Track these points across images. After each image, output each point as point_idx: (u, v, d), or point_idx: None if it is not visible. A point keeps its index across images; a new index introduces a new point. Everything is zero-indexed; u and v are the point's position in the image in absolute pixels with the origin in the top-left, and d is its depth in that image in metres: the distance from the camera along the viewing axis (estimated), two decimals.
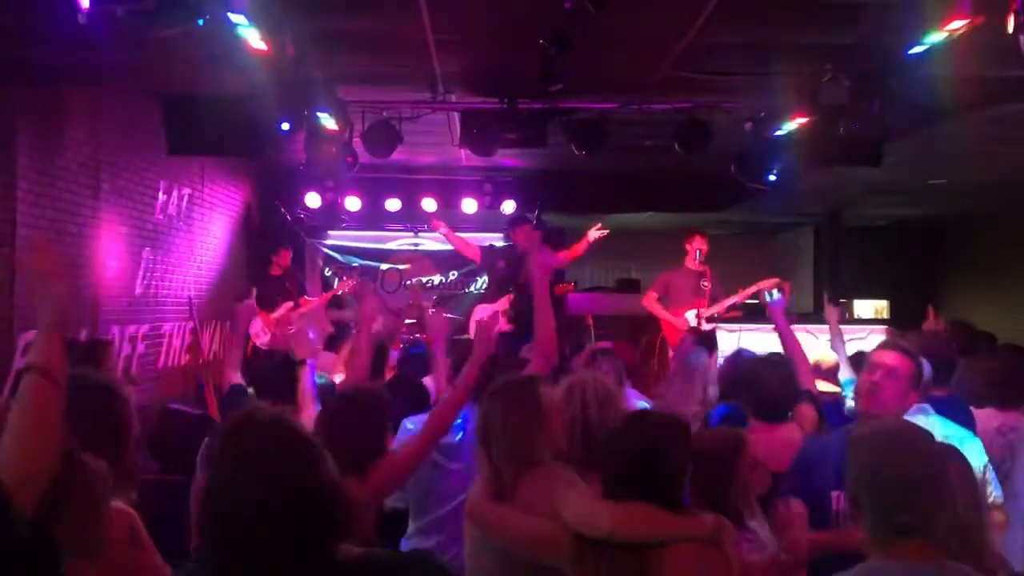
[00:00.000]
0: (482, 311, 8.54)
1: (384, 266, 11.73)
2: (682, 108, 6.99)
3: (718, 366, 4.96)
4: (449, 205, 10.27)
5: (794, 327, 4.41)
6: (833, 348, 4.66)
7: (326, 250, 11.69)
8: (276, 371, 4.04)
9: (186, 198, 8.69)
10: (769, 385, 3.66)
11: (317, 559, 1.68)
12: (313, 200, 10.17)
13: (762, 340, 6.61)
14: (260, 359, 7.66)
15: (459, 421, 3.56)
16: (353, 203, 10.35)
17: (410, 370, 5.32)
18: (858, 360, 4.36)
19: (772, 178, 7.50)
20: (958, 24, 4.29)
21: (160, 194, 8.06)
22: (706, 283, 8.12)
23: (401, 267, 11.74)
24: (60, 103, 6.42)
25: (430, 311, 9.99)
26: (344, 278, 10.47)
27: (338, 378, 5.21)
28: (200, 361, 8.55)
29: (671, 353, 7.60)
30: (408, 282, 11.66)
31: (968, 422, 3.63)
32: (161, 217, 8.10)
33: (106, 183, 6.99)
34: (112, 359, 5.66)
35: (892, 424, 2.46)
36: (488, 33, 5.58)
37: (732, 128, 7.00)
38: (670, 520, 2.40)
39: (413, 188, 10.40)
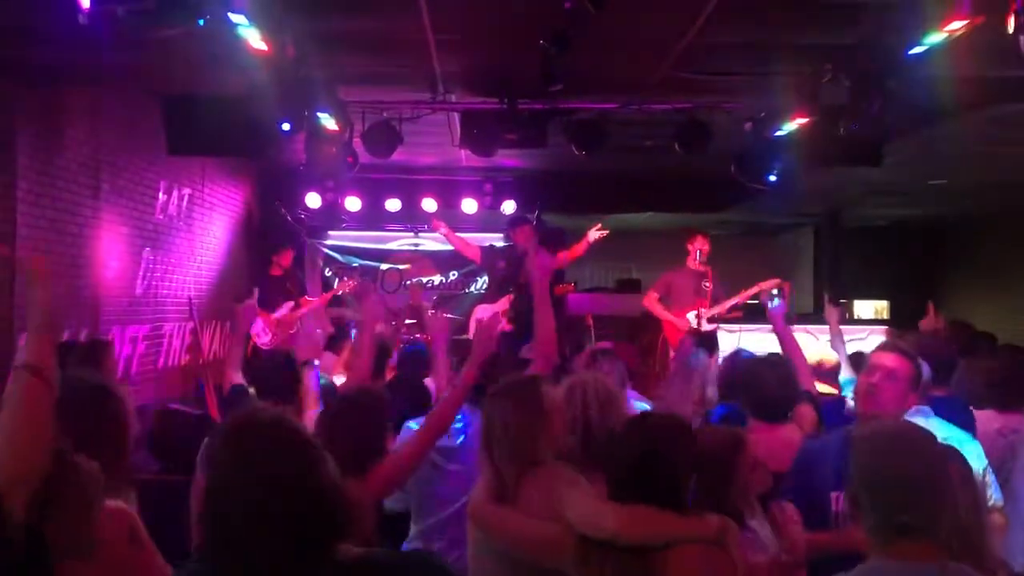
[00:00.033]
0: (482, 311, 8.54)
1: (384, 266, 11.73)
2: (682, 108, 6.99)
3: (718, 367, 4.96)
4: (449, 205, 10.27)
5: (794, 327, 4.42)
6: (833, 348, 4.66)
7: (326, 250, 11.69)
8: (277, 371, 4.04)
9: (186, 198, 8.69)
10: (768, 385, 3.66)
11: (317, 559, 1.68)
12: (313, 200, 10.18)
13: (762, 340, 6.60)
14: (261, 359, 7.66)
15: (459, 425, 3.56)
16: (353, 203, 10.35)
17: (409, 368, 5.31)
18: (857, 361, 4.37)
19: (772, 178, 7.50)
20: (958, 24, 4.29)
21: (160, 194, 8.06)
22: (707, 284, 8.12)
23: (401, 267, 11.74)
24: (60, 103, 6.42)
25: (430, 312, 10.00)
26: (344, 278, 10.47)
27: (338, 379, 5.21)
28: (200, 361, 8.55)
29: (672, 354, 7.60)
30: (408, 282, 11.66)
31: (968, 424, 3.62)
32: (161, 217, 8.11)
33: (106, 183, 6.99)
34: (112, 359, 5.65)
35: (893, 424, 2.46)
36: (488, 33, 5.58)
37: (732, 128, 7.00)
38: (674, 522, 2.40)
39: (413, 188, 10.40)
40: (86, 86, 6.56)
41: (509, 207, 10.25)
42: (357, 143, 7.22)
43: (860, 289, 14.78)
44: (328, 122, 6.41)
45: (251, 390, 4.12)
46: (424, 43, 5.58)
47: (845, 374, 4.46)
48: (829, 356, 4.65)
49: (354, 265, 11.63)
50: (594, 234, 8.28)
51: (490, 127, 6.94)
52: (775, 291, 4.82)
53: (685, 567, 2.34)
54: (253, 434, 1.74)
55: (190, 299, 8.61)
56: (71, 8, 3.70)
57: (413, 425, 3.74)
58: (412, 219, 11.19)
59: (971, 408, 3.90)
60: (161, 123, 6.87)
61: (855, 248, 14.70)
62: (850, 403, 3.74)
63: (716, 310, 8.07)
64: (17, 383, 1.96)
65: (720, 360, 4.89)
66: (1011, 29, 3.88)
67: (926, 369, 3.39)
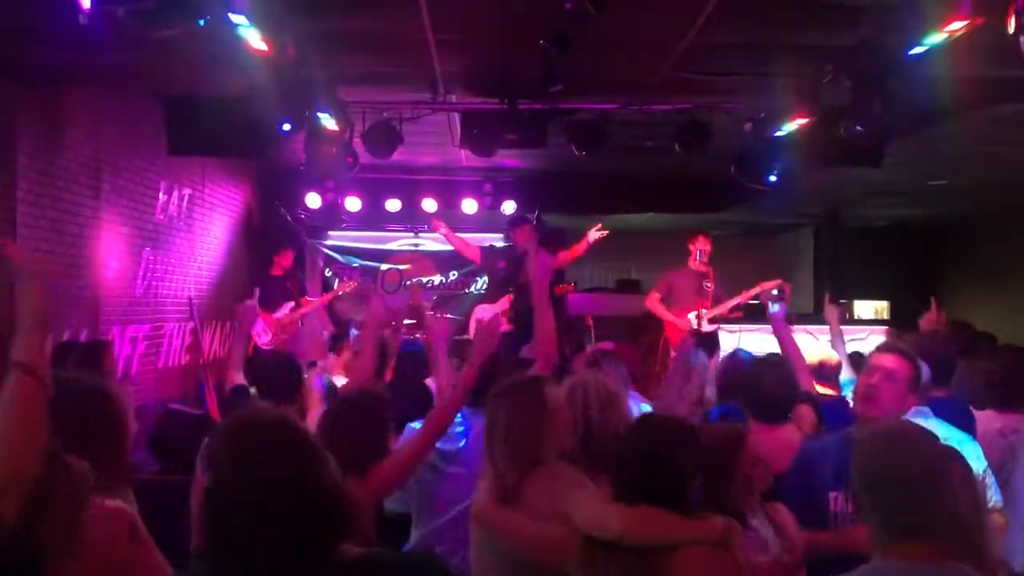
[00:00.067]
0: (482, 311, 8.54)
1: (384, 266, 11.73)
2: (682, 109, 6.99)
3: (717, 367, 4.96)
4: (449, 205, 10.27)
5: (794, 328, 4.42)
6: (833, 348, 4.66)
7: (326, 250, 11.69)
8: (279, 372, 4.04)
9: (186, 198, 8.69)
10: (767, 386, 3.66)
11: (317, 559, 1.68)
12: (313, 200, 10.18)
13: (762, 341, 6.61)
14: (263, 359, 7.66)
15: (460, 428, 3.56)
16: (353, 203, 10.35)
17: (409, 368, 5.32)
18: (856, 361, 4.38)
19: (772, 179, 7.50)
20: (958, 25, 4.29)
21: (161, 194, 8.06)
22: (709, 284, 8.13)
23: (401, 267, 11.74)
24: (61, 103, 6.43)
25: (430, 314, 10.00)
26: (345, 279, 10.48)
27: (338, 380, 5.21)
28: (200, 361, 8.55)
29: (673, 354, 7.60)
30: (408, 282, 11.66)
31: (968, 425, 3.63)
32: (162, 217, 8.11)
33: (106, 183, 6.99)
34: (112, 359, 5.65)
35: (894, 424, 2.46)
36: (488, 33, 5.58)
37: (732, 129, 7.00)
38: (679, 523, 2.40)
39: (413, 188, 10.40)
40: (86, 86, 6.56)
41: (509, 207, 10.25)
42: (357, 143, 7.22)
43: (860, 289, 14.78)
44: (328, 122, 6.41)
45: (252, 390, 4.12)
46: (424, 43, 5.58)
47: (845, 374, 4.46)
48: (830, 356, 4.65)
49: (354, 265, 11.63)
50: (594, 234, 8.29)
51: (490, 127, 6.94)
52: (775, 291, 4.82)
53: (690, 568, 2.34)
54: (254, 434, 1.74)
55: (190, 299, 8.61)
56: (71, 8, 3.70)
57: (416, 426, 3.75)
58: (412, 219, 11.18)
59: (971, 409, 3.90)
60: (161, 123, 6.88)
61: (855, 248, 14.70)
62: (851, 404, 3.74)
63: (717, 310, 8.08)
64: (9, 382, 1.95)
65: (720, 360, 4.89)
66: (1011, 29, 3.88)
67: (925, 370, 3.40)
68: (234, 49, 4.65)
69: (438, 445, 3.40)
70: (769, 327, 4.44)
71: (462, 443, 3.57)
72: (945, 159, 9.33)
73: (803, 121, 6.23)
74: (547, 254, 7.68)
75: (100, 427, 2.37)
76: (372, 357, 4.11)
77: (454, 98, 7.00)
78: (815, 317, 8.56)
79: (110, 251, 7.06)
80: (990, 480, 3.22)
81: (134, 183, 7.51)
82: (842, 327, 4.86)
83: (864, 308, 15.34)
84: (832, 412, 3.85)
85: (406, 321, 9.40)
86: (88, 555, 2.10)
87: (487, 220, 10.54)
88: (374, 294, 10.29)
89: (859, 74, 5.39)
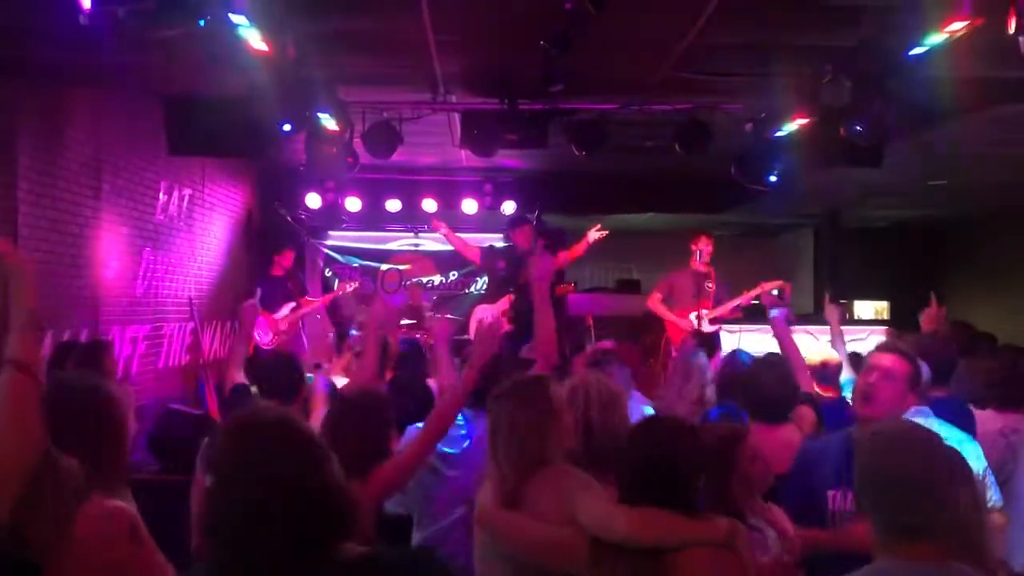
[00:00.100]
0: (482, 311, 8.55)
1: (384, 267, 11.74)
2: (682, 109, 6.99)
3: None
4: (449, 206, 10.28)
5: (794, 328, 4.42)
6: (834, 348, 4.66)
7: (326, 251, 11.69)
8: (280, 371, 4.04)
9: (187, 198, 8.69)
10: (767, 386, 3.67)
11: (319, 559, 1.68)
12: (313, 201, 10.18)
13: (762, 341, 6.61)
14: (264, 359, 7.66)
15: (462, 431, 3.55)
16: (353, 204, 10.35)
17: (409, 368, 5.31)
18: (855, 362, 4.38)
19: (772, 179, 7.50)
20: (958, 25, 4.29)
21: (161, 194, 8.06)
22: (710, 284, 8.13)
23: (401, 267, 11.74)
24: (61, 103, 6.43)
25: (431, 315, 10.01)
26: (346, 280, 10.50)
27: (338, 380, 5.21)
28: (200, 361, 8.55)
29: (675, 354, 7.60)
30: (408, 282, 11.67)
31: (967, 425, 3.63)
32: (162, 217, 8.11)
33: (107, 183, 6.99)
34: (112, 359, 5.65)
35: (896, 424, 2.46)
36: (489, 34, 5.58)
37: (732, 129, 7.00)
38: (685, 524, 2.40)
39: (413, 189, 10.40)
40: (87, 86, 6.56)
41: (509, 207, 10.26)
42: (357, 143, 7.22)
43: (860, 290, 14.77)
44: (328, 122, 6.41)
45: (253, 389, 4.12)
46: (425, 43, 5.58)
47: (846, 375, 4.46)
48: (832, 357, 4.66)
49: (354, 265, 11.63)
50: (593, 235, 8.29)
51: (490, 127, 6.95)
52: (775, 291, 4.83)
53: (696, 570, 2.34)
54: (256, 433, 1.73)
55: (190, 299, 8.61)
56: (72, 8, 3.70)
57: (418, 427, 3.74)
58: (412, 219, 11.19)
59: (971, 408, 3.90)
60: (162, 123, 6.87)
61: (855, 249, 14.69)
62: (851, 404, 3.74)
63: (719, 311, 8.07)
64: (3, 379, 1.93)
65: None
66: (1011, 30, 3.88)
67: (925, 370, 3.40)
68: (234, 49, 4.65)
69: (439, 447, 3.39)
70: (769, 327, 4.45)
71: (464, 445, 3.56)
72: (945, 159, 9.33)
73: (803, 121, 6.23)
74: (549, 256, 7.70)
75: (100, 427, 2.37)
76: (375, 358, 4.10)
77: (454, 98, 7.00)
78: (815, 317, 8.56)
79: (110, 251, 7.06)
80: (989, 479, 3.22)
81: (134, 183, 7.52)
82: (842, 327, 4.86)
83: (864, 308, 15.34)
84: (832, 413, 3.85)
85: (405, 321, 9.41)
86: (88, 555, 2.10)
87: (487, 220, 10.54)
88: (376, 295, 10.34)
89: (859, 74, 5.39)
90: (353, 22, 5.23)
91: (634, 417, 3.59)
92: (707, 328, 7.83)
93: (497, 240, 9.80)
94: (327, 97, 6.15)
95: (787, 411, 3.70)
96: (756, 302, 8.04)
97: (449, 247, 9.46)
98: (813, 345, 4.73)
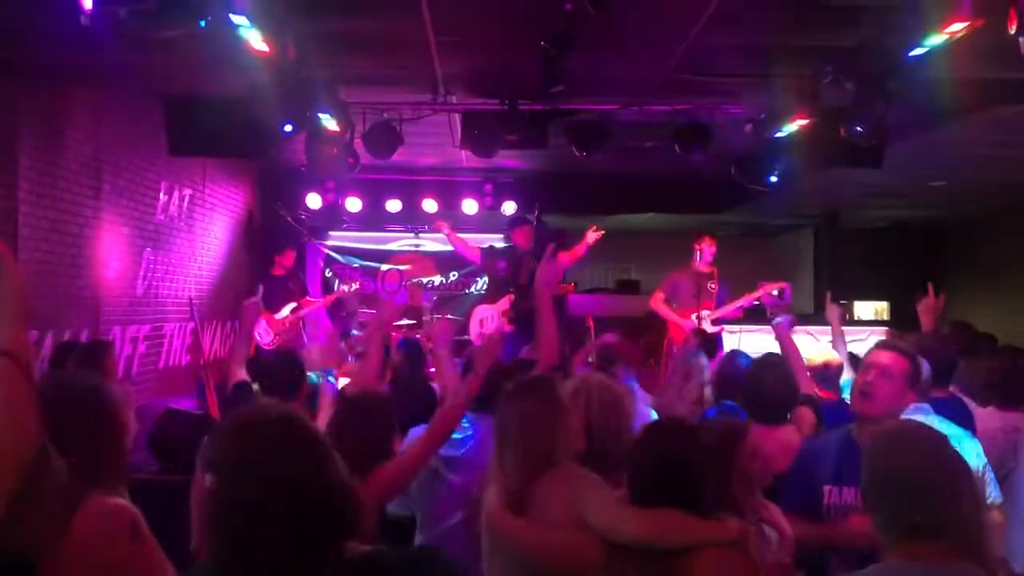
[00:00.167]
0: (482, 311, 8.56)
1: (384, 267, 11.74)
2: (682, 110, 7.00)
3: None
4: (449, 206, 10.28)
5: (795, 329, 4.43)
6: (835, 348, 4.67)
7: (327, 251, 11.70)
8: (281, 369, 4.04)
9: (187, 199, 8.69)
10: (766, 387, 3.67)
11: (320, 559, 1.67)
12: (314, 201, 10.18)
13: (762, 341, 6.62)
14: (266, 357, 7.66)
15: (465, 434, 3.55)
16: (354, 204, 10.36)
17: (408, 368, 5.32)
18: (852, 362, 4.39)
19: (773, 180, 7.50)
20: (958, 26, 4.29)
21: (161, 194, 8.07)
22: (713, 285, 8.12)
23: (402, 268, 11.75)
24: (62, 103, 6.43)
25: (432, 317, 10.01)
26: (347, 279, 10.51)
27: (343, 382, 5.22)
28: (201, 361, 8.55)
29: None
30: (408, 282, 11.67)
31: (967, 423, 3.63)
32: (162, 217, 8.11)
33: (107, 183, 7.00)
34: (113, 360, 5.66)
35: (903, 425, 2.47)
36: (489, 34, 5.59)
37: (732, 130, 7.00)
38: (697, 525, 2.40)
39: (414, 189, 10.41)
40: (88, 86, 6.56)
41: (509, 208, 10.26)
42: (358, 144, 7.22)
43: (860, 290, 14.78)
44: (329, 123, 6.41)
45: (255, 387, 4.13)
46: (425, 44, 5.59)
47: (846, 375, 4.47)
48: (834, 358, 4.67)
49: (354, 266, 11.64)
50: (592, 236, 8.29)
51: (491, 128, 6.95)
52: (776, 291, 4.84)
53: (708, 570, 2.34)
54: (260, 431, 1.73)
55: (191, 299, 8.61)
56: (73, 9, 3.71)
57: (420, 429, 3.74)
58: (413, 220, 11.19)
59: (971, 408, 3.91)
60: (162, 123, 6.88)
61: (855, 249, 14.69)
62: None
63: (721, 312, 8.07)
64: None
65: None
66: (1012, 31, 3.88)
67: (926, 367, 3.40)
68: (235, 50, 4.65)
69: (441, 451, 3.39)
70: (768, 327, 4.45)
71: (467, 448, 3.55)
72: (945, 160, 9.33)
73: (803, 122, 6.24)
74: (555, 261, 7.70)
75: (100, 427, 2.37)
76: (378, 360, 4.11)
77: (454, 99, 7.00)
78: (815, 318, 8.56)
79: (111, 251, 7.06)
80: (989, 476, 3.23)
81: (135, 183, 7.52)
82: (843, 328, 4.87)
83: (864, 309, 15.34)
84: (832, 414, 3.85)
85: (405, 321, 9.42)
86: (88, 553, 2.10)
87: (487, 221, 10.55)
88: (380, 297, 10.35)
89: (859, 75, 5.39)
90: (354, 23, 5.24)
91: (639, 417, 3.60)
92: (710, 329, 7.82)
93: (497, 240, 9.81)
94: (328, 97, 6.16)
95: (787, 412, 3.71)
96: (757, 303, 8.05)
97: (449, 247, 9.46)
98: (813, 346, 4.73)
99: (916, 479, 1.98)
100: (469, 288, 11.68)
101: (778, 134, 6.65)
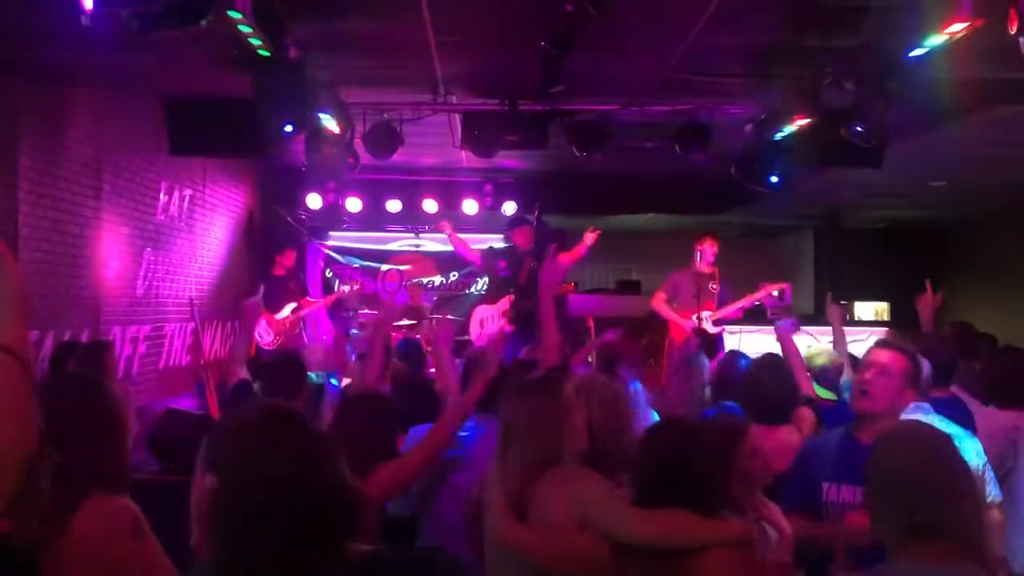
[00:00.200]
0: (483, 312, 8.56)
1: (385, 267, 11.75)
2: (683, 110, 7.00)
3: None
4: (450, 206, 10.29)
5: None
6: (836, 349, 4.67)
7: (327, 251, 11.70)
8: (283, 368, 4.05)
9: (187, 199, 8.70)
10: (766, 387, 3.67)
11: (322, 558, 1.67)
12: (314, 201, 10.19)
13: (762, 341, 6.63)
14: (267, 356, 7.67)
15: (466, 434, 3.55)
16: (354, 204, 10.36)
17: (408, 368, 5.32)
18: (852, 363, 4.39)
19: (773, 180, 7.50)
20: (958, 27, 4.29)
21: (162, 195, 8.07)
22: (714, 285, 8.12)
23: (402, 268, 11.75)
24: (62, 103, 6.44)
25: (433, 318, 10.01)
26: (347, 279, 10.51)
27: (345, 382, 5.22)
28: (201, 362, 8.56)
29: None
30: (408, 282, 11.68)
31: (967, 423, 3.64)
32: (163, 218, 8.12)
33: (108, 183, 7.00)
34: (113, 360, 5.66)
35: (908, 426, 2.47)
36: (489, 35, 5.59)
37: (732, 130, 7.00)
38: (702, 525, 2.40)
39: (414, 189, 10.41)
40: (88, 87, 6.57)
41: (510, 208, 10.27)
42: (358, 144, 7.23)
43: (860, 291, 14.78)
44: (329, 123, 6.42)
45: (256, 385, 4.13)
46: (425, 45, 5.59)
47: (847, 375, 4.47)
48: (835, 357, 4.66)
49: (355, 266, 11.64)
50: (590, 237, 8.29)
51: (491, 128, 6.95)
52: (776, 292, 4.84)
53: (716, 570, 2.34)
54: (261, 430, 1.73)
55: (191, 299, 8.62)
56: (74, 9, 3.71)
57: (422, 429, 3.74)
58: (413, 220, 11.20)
59: (971, 408, 3.91)
60: (163, 123, 6.88)
61: (855, 250, 14.69)
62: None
63: (722, 312, 8.07)
64: None
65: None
66: (1012, 31, 3.88)
67: (927, 366, 3.40)
68: (235, 50, 4.65)
69: None
70: (768, 327, 4.46)
71: (469, 448, 3.55)
72: (945, 160, 9.33)
73: (804, 122, 6.24)
74: (557, 263, 7.68)
75: (100, 427, 2.38)
76: (380, 361, 4.11)
77: (455, 99, 7.01)
78: (816, 318, 8.57)
79: (111, 251, 7.07)
80: (989, 475, 3.23)
81: (135, 183, 7.52)
82: (843, 328, 4.86)
83: (864, 310, 15.34)
84: (832, 415, 3.86)
85: (405, 321, 9.43)
86: (89, 552, 2.10)
87: (487, 221, 10.55)
88: (380, 297, 10.34)
89: (860, 76, 5.39)
90: (354, 23, 5.24)
91: (644, 418, 3.60)
92: (711, 329, 7.82)
93: (498, 240, 9.81)
94: (328, 98, 6.16)
95: (787, 412, 3.71)
96: (758, 304, 8.04)
97: (450, 247, 9.47)
98: (815, 346, 4.73)
99: (919, 479, 1.98)
100: (469, 288, 11.68)
101: (778, 134, 6.65)
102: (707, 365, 4.64)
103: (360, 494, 1.77)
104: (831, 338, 4.81)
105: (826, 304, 5.20)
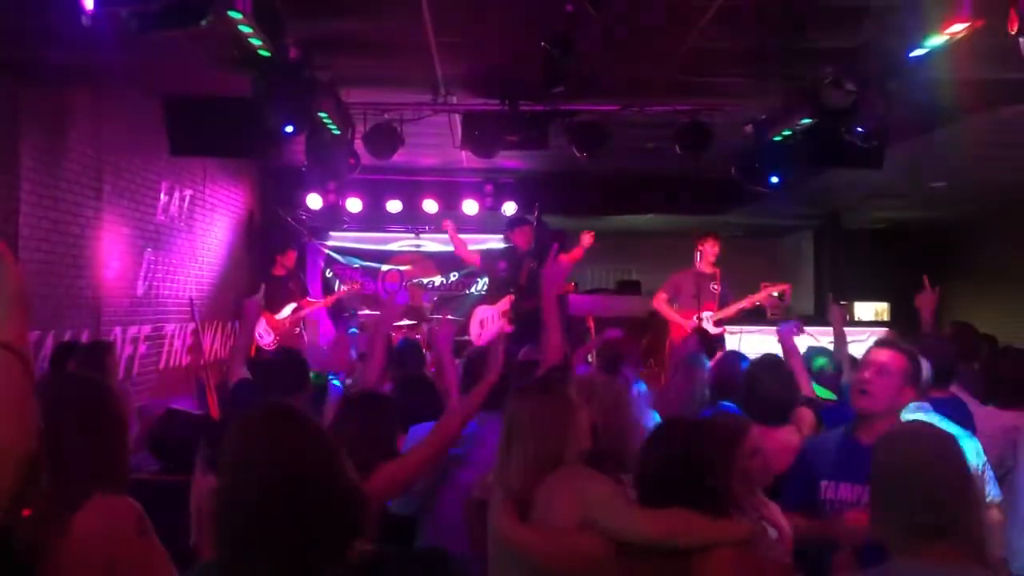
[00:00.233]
0: (483, 312, 8.56)
1: (385, 267, 11.75)
2: (683, 110, 7.00)
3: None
4: (450, 207, 10.29)
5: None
6: (837, 349, 4.67)
7: (327, 251, 11.71)
8: (284, 367, 4.05)
9: (188, 199, 8.70)
10: (764, 387, 3.67)
11: (325, 558, 1.67)
12: (314, 201, 10.19)
13: (762, 342, 6.63)
14: (268, 355, 7.67)
15: (470, 433, 3.55)
16: (354, 204, 10.36)
17: (409, 367, 5.32)
18: (852, 364, 4.39)
19: (773, 181, 7.50)
20: (959, 27, 4.29)
21: (162, 195, 8.07)
22: (716, 286, 8.12)
23: (402, 268, 11.76)
24: (63, 104, 6.44)
25: (433, 318, 10.01)
26: (347, 280, 10.52)
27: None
28: (201, 362, 8.56)
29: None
30: (408, 283, 11.68)
31: (967, 423, 3.64)
32: (163, 218, 8.12)
33: (108, 184, 7.00)
34: (113, 360, 5.66)
35: (912, 426, 2.47)
36: (489, 35, 5.59)
37: (733, 130, 7.00)
38: (708, 525, 2.40)
39: (414, 190, 10.41)
40: (89, 87, 6.57)
41: (510, 208, 10.27)
42: (358, 144, 7.23)
43: (861, 291, 14.78)
44: (330, 123, 6.42)
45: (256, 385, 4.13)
46: (426, 45, 5.59)
47: (847, 376, 4.47)
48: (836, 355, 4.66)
49: (355, 266, 11.65)
50: (587, 239, 8.28)
51: (491, 129, 6.95)
52: (776, 293, 4.84)
53: (721, 570, 2.34)
54: (263, 430, 1.72)
55: (191, 300, 8.62)
56: (74, 10, 3.71)
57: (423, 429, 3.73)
58: (413, 220, 11.20)
59: (971, 408, 3.91)
60: (163, 124, 6.89)
61: (856, 250, 14.69)
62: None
63: (723, 313, 8.07)
64: None
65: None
66: (1012, 31, 3.89)
67: (927, 367, 3.40)
68: (236, 50, 4.66)
69: None
70: (769, 327, 4.46)
71: (471, 447, 3.55)
72: (945, 160, 9.34)
73: (804, 123, 6.24)
74: (560, 265, 7.67)
75: (100, 427, 2.38)
76: (381, 360, 4.10)
77: (455, 99, 7.01)
78: (816, 319, 8.57)
79: (111, 252, 7.07)
80: (988, 475, 3.23)
81: (135, 184, 7.53)
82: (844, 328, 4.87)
83: (865, 310, 15.35)
84: (832, 415, 3.86)
85: (405, 321, 9.43)
86: (92, 551, 2.10)
87: (487, 221, 10.56)
88: (380, 297, 10.34)
89: (860, 76, 5.39)
90: (355, 24, 5.24)
91: (643, 416, 3.59)
92: (712, 330, 7.82)
93: (498, 241, 9.81)
94: (329, 98, 6.16)
95: (786, 413, 3.71)
96: (759, 304, 8.05)
97: (450, 248, 9.47)
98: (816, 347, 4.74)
99: (922, 480, 1.98)
100: (469, 289, 11.69)
101: (779, 135, 6.65)
102: (707, 365, 4.64)
103: (362, 494, 1.77)
104: (831, 339, 4.81)
105: (827, 305, 5.20)
